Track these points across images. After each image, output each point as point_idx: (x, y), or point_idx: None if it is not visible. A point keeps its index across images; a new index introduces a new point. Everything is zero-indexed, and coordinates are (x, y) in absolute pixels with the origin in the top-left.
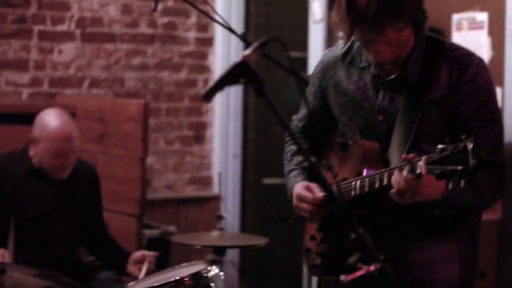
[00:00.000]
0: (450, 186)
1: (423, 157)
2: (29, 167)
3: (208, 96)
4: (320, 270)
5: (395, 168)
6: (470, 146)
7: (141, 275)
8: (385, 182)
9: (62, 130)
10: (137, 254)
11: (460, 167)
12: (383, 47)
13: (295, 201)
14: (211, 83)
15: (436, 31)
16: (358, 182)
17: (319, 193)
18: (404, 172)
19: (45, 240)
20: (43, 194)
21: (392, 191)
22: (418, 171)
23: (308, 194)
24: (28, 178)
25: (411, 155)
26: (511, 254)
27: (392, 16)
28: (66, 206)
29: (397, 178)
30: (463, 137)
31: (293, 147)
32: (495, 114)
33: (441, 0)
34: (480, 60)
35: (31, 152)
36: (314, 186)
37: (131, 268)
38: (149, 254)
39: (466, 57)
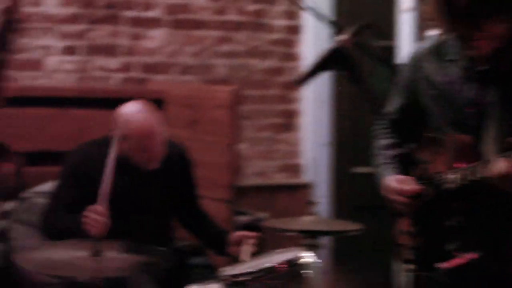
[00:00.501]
0: None
1: None
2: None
3: (301, 82)
4: (413, 265)
5: (494, 157)
6: None
7: (246, 257)
8: (480, 175)
9: (145, 125)
10: (237, 234)
11: None
12: (483, 42)
13: (388, 194)
14: (303, 69)
15: None
16: (455, 175)
17: (412, 186)
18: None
19: (136, 228)
20: (133, 184)
21: (497, 175)
22: None
23: (401, 187)
24: (116, 167)
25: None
26: None
27: (490, 12)
28: (157, 194)
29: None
30: None
31: (382, 141)
32: None
33: None
34: None
35: (116, 145)
36: (406, 179)
37: (231, 249)
38: (250, 234)
39: None
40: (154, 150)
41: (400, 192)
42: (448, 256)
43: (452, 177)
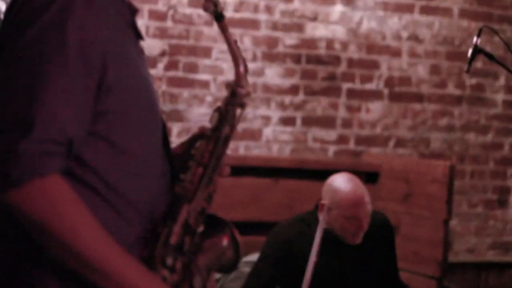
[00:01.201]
0: None
1: None
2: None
3: None
4: None
5: None
6: None
7: None
8: None
9: (355, 196)
10: None
11: None
12: None
13: None
14: None
15: None
16: None
17: None
18: None
19: None
20: (336, 260)
21: None
22: None
23: None
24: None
25: None
26: None
27: None
28: (361, 270)
29: None
30: None
31: None
32: None
33: None
34: None
35: (320, 217)
36: None
37: None
38: None
39: None
40: (361, 221)
41: None
42: None
43: None
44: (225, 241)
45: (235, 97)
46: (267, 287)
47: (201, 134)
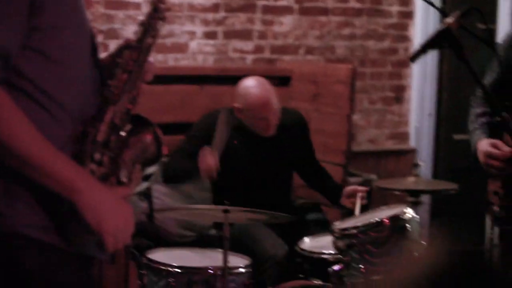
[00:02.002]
0: None
1: None
2: (238, 123)
3: (414, 58)
4: (502, 222)
5: None
6: None
7: (356, 210)
8: None
9: (261, 99)
10: (350, 188)
11: None
12: None
13: (482, 158)
14: (416, 48)
15: None
16: None
17: (504, 150)
18: None
19: (257, 189)
20: (253, 150)
21: None
22: None
23: (496, 151)
24: (236, 133)
25: None
26: None
27: None
28: (276, 158)
29: None
30: None
31: (477, 110)
32: None
33: None
34: None
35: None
36: (499, 142)
37: (344, 200)
38: (361, 189)
39: None
40: (270, 119)
41: (493, 155)
42: None
43: None
44: (148, 138)
45: (156, 11)
46: (191, 155)
47: (127, 45)
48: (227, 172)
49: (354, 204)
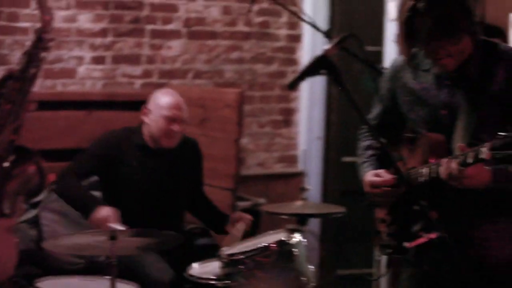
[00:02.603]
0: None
1: (487, 144)
2: (140, 142)
3: (293, 85)
4: (389, 250)
5: (459, 155)
6: None
7: (239, 232)
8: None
9: (173, 100)
10: (235, 214)
11: None
12: (447, 60)
13: (367, 188)
14: (296, 74)
15: (496, 27)
16: (426, 169)
17: (387, 177)
18: (453, 164)
19: (150, 210)
20: (151, 167)
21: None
22: (481, 156)
23: (377, 179)
24: (138, 151)
25: (463, 145)
26: None
27: (447, 36)
28: (172, 177)
29: (445, 167)
30: None
31: (366, 142)
32: None
33: (499, 2)
34: None
35: (144, 124)
36: (383, 172)
37: (229, 227)
38: (246, 216)
39: None
40: (177, 124)
41: (376, 184)
42: (414, 237)
43: (423, 171)
44: (32, 169)
45: (40, 41)
46: (85, 175)
47: (10, 75)
48: (121, 195)
49: (238, 231)
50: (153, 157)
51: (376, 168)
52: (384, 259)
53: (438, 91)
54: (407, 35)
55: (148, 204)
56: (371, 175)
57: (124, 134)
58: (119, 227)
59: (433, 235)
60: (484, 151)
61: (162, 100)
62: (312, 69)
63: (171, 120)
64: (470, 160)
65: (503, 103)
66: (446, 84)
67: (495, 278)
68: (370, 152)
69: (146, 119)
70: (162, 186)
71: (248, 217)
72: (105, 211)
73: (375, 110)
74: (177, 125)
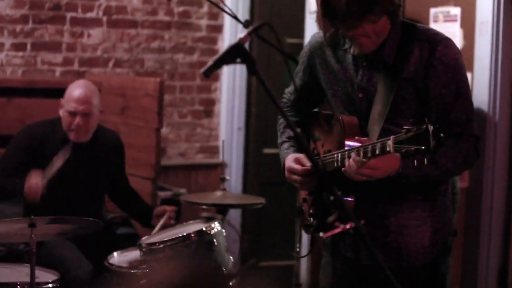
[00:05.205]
0: (415, 163)
1: (391, 137)
2: (60, 135)
3: (208, 73)
4: (312, 229)
5: (370, 144)
6: (431, 128)
7: (157, 226)
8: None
9: (77, 93)
10: (159, 208)
11: (423, 147)
12: (363, 40)
13: (286, 173)
14: (210, 62)
15: (416, 21)
16: (340, 155)
17: (307, 164)
18: (353, 155)
19: (70, 201)
20: (72, 160)
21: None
22: (387, 149)
23: (297, 166)
24: (59, 144)
25: (364, 138)
26: (476, 219)
27: (363, 14)
28: (91, 169)
29: (349, 162)
30: (426, 119)
31: (282, 120)
32: (463, 89)
33: None
34: (447, 39)
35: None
36: (303, 157)
37: (154, 221)
38: (169, 209)
39: (435, 36)
40: (85, 118)
41: (295, 171)
42: (329, 227)
43: (337, 157)
44: None
45: None
46: (16, 170)
47: None
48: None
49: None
50: (73, 150)
51: (297, 149)
52: (306, 239)
53: (355, 73)
54: (325, 12)
55: (68, 195)
56: (291, 160)
57: (46, 127)
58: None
59: (348, 225)
60: (389, 145)
61: (69, 93)
62: (227, 57)
63: (72, 114)
64: (376, 153)
65: (416, 85)
66: (363, 65)
67: (415, 265)
68: (290, 131)
69: (60, 112)
70: (81, 177)
71: (171, 209)
72: (32, 177)
73: (295, 84)
74: (79, 119)
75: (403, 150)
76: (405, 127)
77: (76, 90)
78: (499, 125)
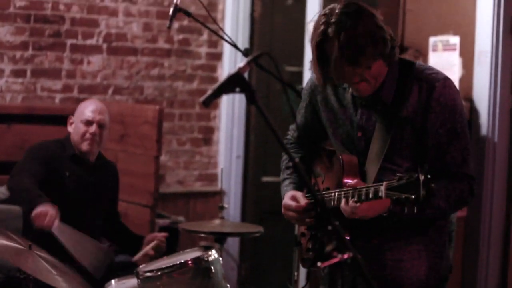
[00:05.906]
0: (406, 210)
1: (384, 183)
2: (72, 153)
3: (207, 102)
4: (309, 263)
5: (364, 188)
6: (422, 178)
7: (142, 251)
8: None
9: (93, 105)
10: (150, 236)
11: (413, 196)
12: (361, 85)
13: (283, 210)
14: (210, 91)
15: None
16: (337, 194)
17: (303, 202)
18: (350, 201)
19: (78, 218)
20: (82, 178)
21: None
22: (379, 194)
23: (292, 203)
24: (70, 163)
25: (354, 182)
26: (474, 246)
27: (352, 64)
28: (92, 190)
29: (343, 206)
30: (419, 169)
31: (285, 157)
32: (459, 129)
33: (420, 25)
34: (446, 79)
35: (71, 135)
36: (299, 195)
37: (144, 248)
38: (160, 235)
39: (434, 76)
40: (94, 128)
41: (290, 208)
42: (328, 257)
43: (332, 196)
44: None
45: None
46: (34, 176)
47: None
48: (54, 202)
49: (153, 249)
50: (83, 167)
51: (297, 186)
52: (304, 272)
53: (355, 112)
54: (319, 60)
55: (77, 212)
56: (288, 198)
57: (56, 145)
58: (55, 224)
59: (346, 256)
60: (382, 190)
61: (84, 107)
62: (226, 87)
63: (88, 122)
64: (369, 197)
65: (414, 125)
66: (362, 105)
67: None
68: (291, 166)
69: (69, 129)
70: (85, 197)
71: (162, 234)
72: (44, 207)
73: (297, 121)
74: (95, 127)
75: (394, 197)
76: (397, 174)
77: (91, 104)
78: (498, 155)
